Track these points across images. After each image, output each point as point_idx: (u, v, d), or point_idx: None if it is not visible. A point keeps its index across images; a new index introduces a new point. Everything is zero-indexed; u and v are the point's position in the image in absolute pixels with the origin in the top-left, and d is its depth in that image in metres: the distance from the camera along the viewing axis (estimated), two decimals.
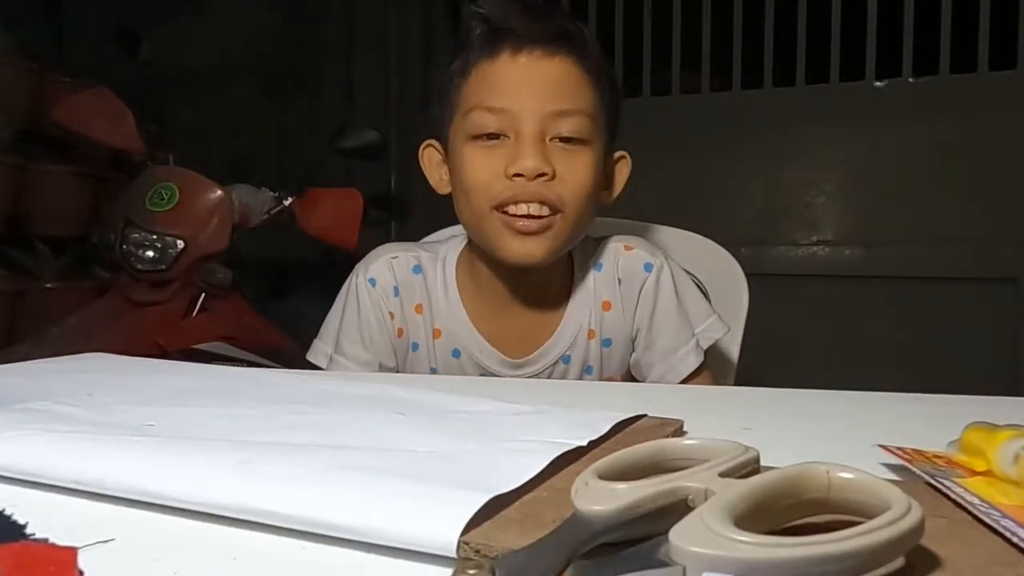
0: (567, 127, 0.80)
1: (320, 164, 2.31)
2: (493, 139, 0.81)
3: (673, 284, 0.89)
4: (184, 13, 2.50)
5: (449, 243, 0.93)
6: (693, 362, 0.89)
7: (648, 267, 0.89)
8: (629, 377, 0.92)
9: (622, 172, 0.91)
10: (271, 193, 1.93)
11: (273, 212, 1.93)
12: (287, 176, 2.24)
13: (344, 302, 0.91)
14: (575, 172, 0.80)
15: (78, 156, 2.23)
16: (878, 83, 1.97)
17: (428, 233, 1.08)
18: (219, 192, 1.83)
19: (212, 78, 2.49)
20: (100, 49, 2.22)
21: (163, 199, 1.81)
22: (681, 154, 2.08)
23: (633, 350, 0.91)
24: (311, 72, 2.52)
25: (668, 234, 1.09)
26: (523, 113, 0.79)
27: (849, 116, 1.98)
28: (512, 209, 0.79)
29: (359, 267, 0.90)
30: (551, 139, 0.80)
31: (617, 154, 0.90)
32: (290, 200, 1.94)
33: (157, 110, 2.24)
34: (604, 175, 0.87)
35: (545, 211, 0.79)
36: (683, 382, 0.88)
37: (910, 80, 1.94)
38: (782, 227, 2.06)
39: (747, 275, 1.04)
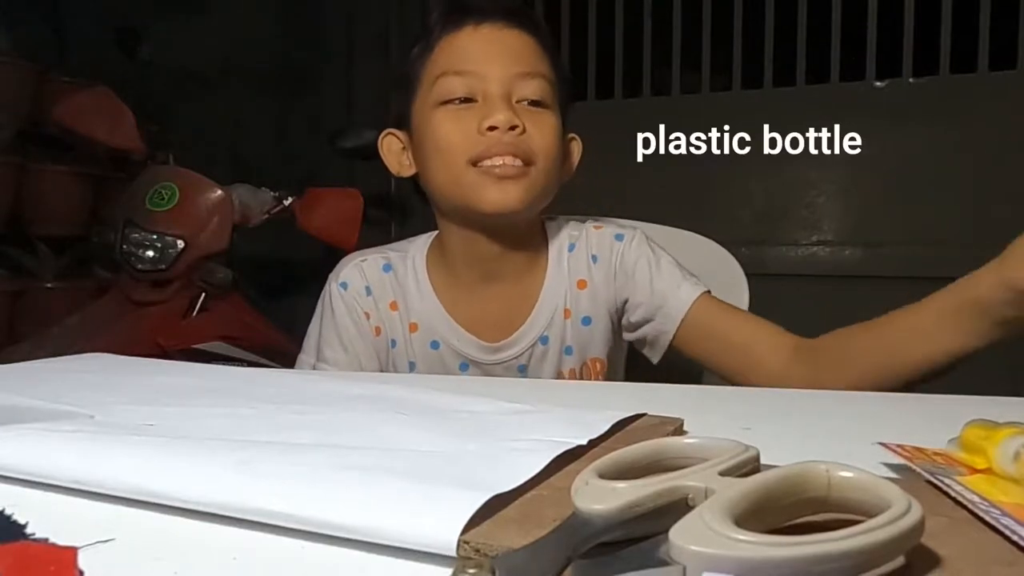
0: (530, 89, 0.85)
1: (320, 164, 2.31)
2: (463, 103, 0.84)
3: (648, 247, 0.90)
4: (184, 13, 2.50)
5: (415, 241, 0.95)
6: (690, 291, 0.86)
7: (619, 237, 0.91)
8: (614, 358, 0.92)
9: (576, 152, 0.94)
10: (271, 193, 1.94)
11: (273, 212, 1.93)
12: (287, 176, 2.24)
13: (320, 312, 0.93)
14: (543, 131, 0.84)
15: (78, 156, 2.23)
16: (878, 83, 1.96)
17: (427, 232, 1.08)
18: (219, 192, 1.83)
19: (212, 78, 2.49)
20: (100, 49, 2.22)
21: (163, 199, 1.81)
22: (681, 154, 2.08)
23: (622, 327, 0.91)
24: (311, 72, 2.52)
25: (668, 234, 1.08)
26: (489, 75, 0.84)
27: (849, 116, 1.98)
28: (487, 163, 0.82)
29: (331, 276, 0.93)
30: (517, 101, 0.84)
31: (569, 135, 0.93)
32: (290, 200, 1.94)
33: (157, 110, 2.24)
34: (563, 152, 0.90)
35: (518, 163, 0.82)
36: (691, 318, 0.85)
37: (910, 80, 1.94)
38: (782, 227, 2.05)
39: (747, 275, 1.04)
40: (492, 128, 0.81)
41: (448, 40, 0.86)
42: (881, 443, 0.38)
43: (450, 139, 0.83)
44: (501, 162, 0.81)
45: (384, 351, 0.90)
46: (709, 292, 0.88)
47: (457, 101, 0.84)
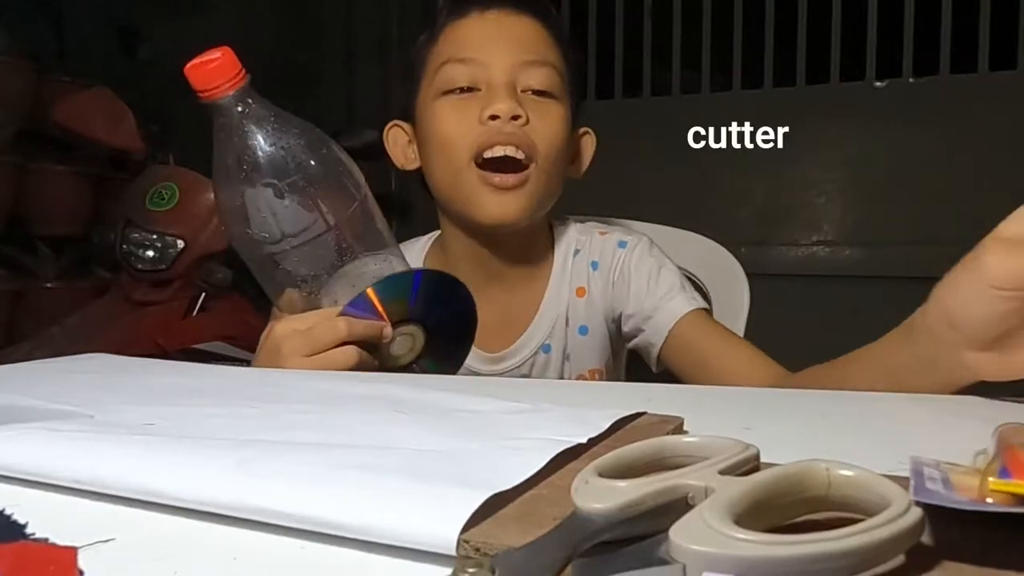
0: (536, 79, 0.81)
1: None
2: (465, 92, 0.81)
3: (651, 256, 0.87)
4: (184, 13, 2.50)
5: (415, 244, 0.92)
6: (681, 305, 0.83)
7: (622, 244, 0.88)
8: (612, 369, 0.91)
9: (588, 147, 0.91)
10: None
11: None
12: None
13: None
14: (547, 122, 0.81)
15: (78, 156, 2.23)
16: (878, 83, 1.96)
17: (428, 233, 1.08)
18: None
19: None
20: (100, 49, 2.22)
21: (163, 199, 1.81)
22: (681, 154, 2.08)
23: (621, 335, 0.89)
24: (311, 72, 2.52)
25: (668, 234, 1.08)
26: (493, 63, 0.80)
27: (849, 116, 1.98)
28: (488, 153, 0.79)
29: None
30: (522, 91, 0.81)
31: (581, 130, 0.90)
32: None
33: (157, 110, 2.24)
34: (571, 146, 0.87)
35: (520, 155, 0.79)
36: (677, 332, 0.83)
37: (910, 80, 1.94)
38: (782, 227, 2.06)
39: (747, 275, 1.04)
40: (493, 117, 0.78)
41: (452, 27, 0.84)
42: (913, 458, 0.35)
43: (450, 131, 0.80)
44: (502, 152, 0.78)
45: None
46: (705, 310, 0.85)
47: (459, 90, 0.81)
